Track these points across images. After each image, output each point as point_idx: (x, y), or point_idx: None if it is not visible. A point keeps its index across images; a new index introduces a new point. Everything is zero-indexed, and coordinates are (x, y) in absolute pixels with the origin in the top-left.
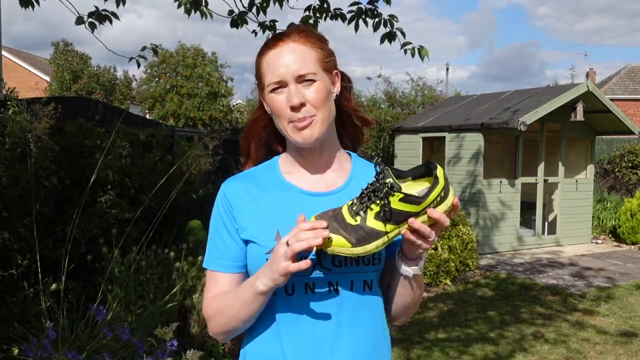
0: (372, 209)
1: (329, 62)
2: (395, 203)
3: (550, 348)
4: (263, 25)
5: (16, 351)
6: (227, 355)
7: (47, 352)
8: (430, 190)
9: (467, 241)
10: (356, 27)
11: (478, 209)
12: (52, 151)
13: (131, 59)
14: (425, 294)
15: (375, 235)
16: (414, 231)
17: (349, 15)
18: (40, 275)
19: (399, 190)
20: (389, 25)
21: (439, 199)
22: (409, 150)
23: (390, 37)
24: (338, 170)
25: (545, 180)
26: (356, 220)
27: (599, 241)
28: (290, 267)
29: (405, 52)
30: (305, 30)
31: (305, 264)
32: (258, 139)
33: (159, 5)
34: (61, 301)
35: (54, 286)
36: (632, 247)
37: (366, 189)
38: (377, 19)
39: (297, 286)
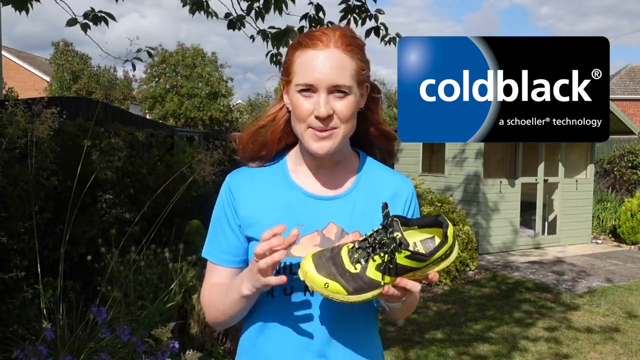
0: (374, 260)
1: (363, 75)
2: (400, 259)
3: (550, 347)
4: (264, 33)
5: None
6: (227, 356)
7: (43, 358)
8: (437, 248)
9: (467, 241)
10: (348, 23)
11: (478, 208)
12: (53, 151)
13: (126, 61)
14: (425, 294)
15: (373, 286)
16: (400, 287)
17: (339, 15)
18: (40, 275)
19: (407, 247)
20: (373, 20)
21: (443, 256)
22: (409, 150)
23: (377, 31)
24: (346, 172)
25: (545, 180)
26: (356, 268)
27: (599, 241)
28: (271, 282)
29: (386, 44)
30: (349, 35)
31: (280, 279)
32: (279, 133)
33: (162, 6)
34: (60, 301)
35: (51, 292)
36: (632, 247)
37: (371, 236)
38: (364, 15)
39: (296, 287)
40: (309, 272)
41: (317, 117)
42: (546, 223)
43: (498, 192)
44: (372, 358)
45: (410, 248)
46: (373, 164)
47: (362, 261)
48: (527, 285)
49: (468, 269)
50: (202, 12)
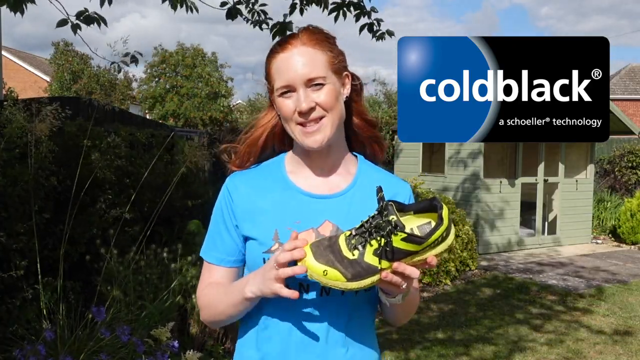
0: (371, 245)
1: (338, 64)
2: (397, 242)
3: (550, 348)
4: (252, 11)
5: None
6: (227, 356)
7: (42, 358)
8: (433, 230)
9: (467, 241)
10: (336, 18)
11: (478, 208)
12: (52, 152)
13: (112, 63)
14: (425, 294)
15: (371, 271)
16: (399, 273)
17: (332, 6)
18: (40, 275)
19: (403, 230)
20: (367, 16)
21: (440, 239)
22: (409, 150)
23: (370, 27)
24: (343, 174)
25: (545, 180)
26: (353, 255)
27: (599, 241)
28: (282, 292)
29: (378, 39)
30: (315, 31)
31: (293, 294)
32: (266, 139)
33: (163, 6)
34: (60, 302)
35: (50, 292)
36: (632, 247)
37: (367, 222)
38: (358, 11)
39: (292, 285)
40: (307, 261)
41: (300, 113)
42: (546, 223)
43: (498, 192)
44: (371, 358)
45: (407, 230)
46: (371, 168)
47: (360, 247)
48: (527, 285)
49: (468, 269)
50: (182, 6)
